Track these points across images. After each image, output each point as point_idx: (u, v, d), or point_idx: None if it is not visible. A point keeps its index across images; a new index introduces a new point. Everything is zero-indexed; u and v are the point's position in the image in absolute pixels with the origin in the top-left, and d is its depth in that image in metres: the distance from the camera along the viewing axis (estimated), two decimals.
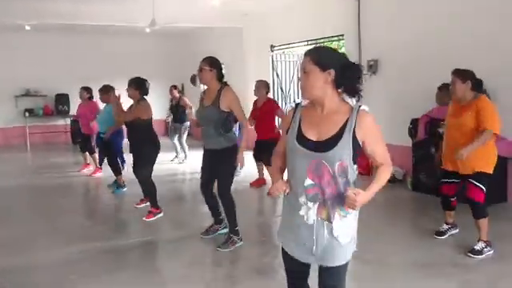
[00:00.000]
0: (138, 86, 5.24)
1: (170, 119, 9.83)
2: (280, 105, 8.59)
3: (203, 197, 4.42)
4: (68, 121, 12.65)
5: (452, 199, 4.29)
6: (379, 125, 2.05)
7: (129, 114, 5.27)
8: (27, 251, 4.29)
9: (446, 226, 4.41)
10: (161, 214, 5.27)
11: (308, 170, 2.03)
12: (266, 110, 6.42)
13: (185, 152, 9.13)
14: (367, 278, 3.49)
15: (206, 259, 4.09)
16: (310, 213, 2.07)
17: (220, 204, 4.38)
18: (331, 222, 2.05)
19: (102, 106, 7.39)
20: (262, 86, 6.52)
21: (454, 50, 5.68)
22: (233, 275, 3.72)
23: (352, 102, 2.04)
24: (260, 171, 6.80)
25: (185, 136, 9.11)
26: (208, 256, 4.17)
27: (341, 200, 2.01)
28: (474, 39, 5.63)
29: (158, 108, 13.25)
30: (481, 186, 3.86)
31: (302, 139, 2.06)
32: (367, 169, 6.09)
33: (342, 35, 7.90)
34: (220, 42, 11.36)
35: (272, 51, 9.99)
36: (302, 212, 2.08)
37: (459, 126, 3.91)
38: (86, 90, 7.92)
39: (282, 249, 2.22)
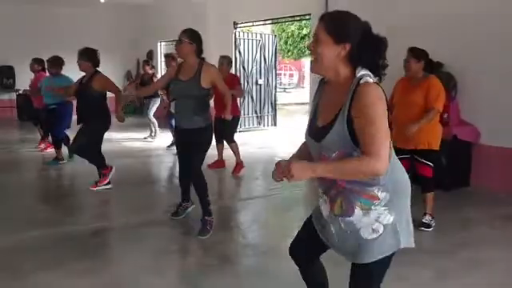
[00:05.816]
0: (90, 58, 5.07)
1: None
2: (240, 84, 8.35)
3: (180, 187, 4.33)
4: (14, 95, 11.84)
5: None
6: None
7: (112, 85, 5.24)
8: None
9: None
10: (113, 171, 5.30)
11: (316, 160, 1.82)
12: (228, 85, 6.24)
13: (154, 127, 8.84)
14: (343, 264, 3.37)
15: (171, 247, 3.85)
16: (324, 207, 1.88)
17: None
18: (349, 217, 1.79)
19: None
20: (226, 62, 6.36)
21: (421, 38, 5.62)
22: (202, 263, 3.51)
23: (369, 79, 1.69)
24: (220, 153, 6.53)
25: (153, 110, 8.72)
26: (174, 243, 3.94)
27: (358, 192, 1.74)
28: (446, 26, 5.60)
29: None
30: (429, 163, 4.12)
31: (311, 124, 1.84)
32: None
33: (309, 14, 7.72)
34: (181, 17, 10.90)
35: (235, 28, 9.69)
36: (320, 202, 1.91)
37: (409, 103, 4.05)
38: (38, 61, 7.43)
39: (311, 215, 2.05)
